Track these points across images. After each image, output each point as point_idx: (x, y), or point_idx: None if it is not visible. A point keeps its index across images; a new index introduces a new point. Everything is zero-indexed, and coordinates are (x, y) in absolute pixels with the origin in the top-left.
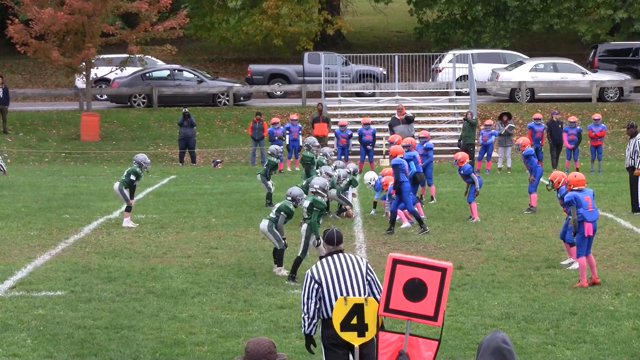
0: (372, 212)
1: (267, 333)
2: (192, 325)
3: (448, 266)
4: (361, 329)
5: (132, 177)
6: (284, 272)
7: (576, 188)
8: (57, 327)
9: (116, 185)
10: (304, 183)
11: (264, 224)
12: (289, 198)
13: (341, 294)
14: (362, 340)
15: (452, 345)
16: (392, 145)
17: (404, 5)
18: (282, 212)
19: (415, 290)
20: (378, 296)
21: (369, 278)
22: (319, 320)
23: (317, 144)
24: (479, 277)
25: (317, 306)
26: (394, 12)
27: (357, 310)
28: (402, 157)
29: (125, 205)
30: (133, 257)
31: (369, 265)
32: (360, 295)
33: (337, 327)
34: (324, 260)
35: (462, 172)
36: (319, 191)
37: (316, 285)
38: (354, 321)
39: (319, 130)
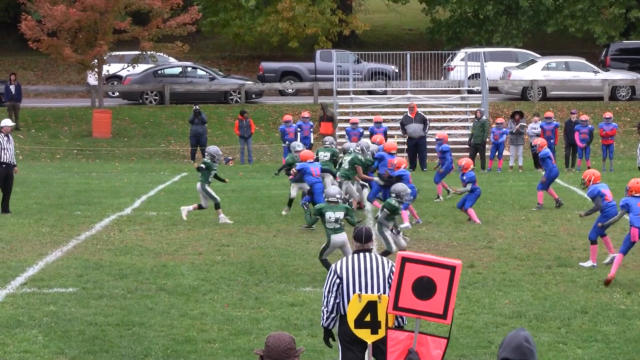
0: None
1: (278, 330)
2: (203, 323)
3: (457, 264)
4: (374, 326)
5: (202, 165)
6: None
7: (637, 194)
8: (68, 324)
9: (198, 185)
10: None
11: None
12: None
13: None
14: (375, 337)
15: (463, 344)
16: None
17: (417, 3)
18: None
19: (424, 288)
20: None
21: (390, 282)
22: (337, 315)
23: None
24: (490, 276)
25: (337, 301)
26: (406, 11)
27: (371, 307)
28: (311, 161)
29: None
30: (144, 254)
31: (393, 269)
32: None
33: (351, 323)
34: (349, 256)
35: (464, 178)
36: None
37: (337, 280)
38: (368, 318)
39: (324, 129)
